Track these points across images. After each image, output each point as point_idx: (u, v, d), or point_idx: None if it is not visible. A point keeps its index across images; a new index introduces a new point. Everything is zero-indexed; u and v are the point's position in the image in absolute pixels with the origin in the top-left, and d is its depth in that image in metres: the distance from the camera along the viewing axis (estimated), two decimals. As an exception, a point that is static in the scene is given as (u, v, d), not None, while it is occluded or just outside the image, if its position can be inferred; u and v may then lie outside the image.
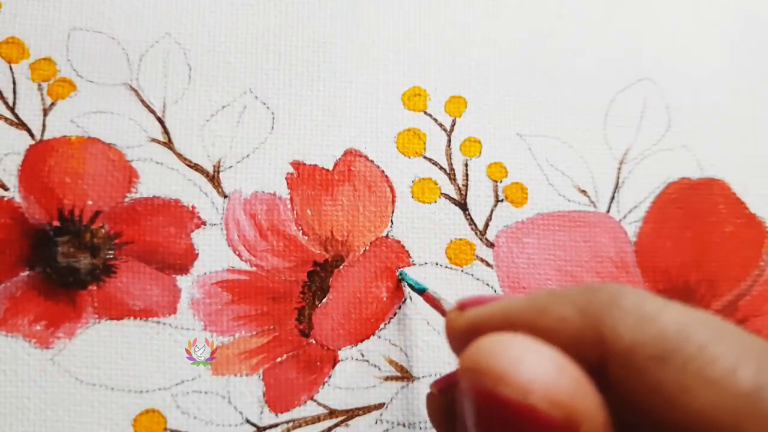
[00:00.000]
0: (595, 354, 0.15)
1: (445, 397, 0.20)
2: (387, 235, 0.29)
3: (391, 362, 0.28)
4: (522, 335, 0.15)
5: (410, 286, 0.27)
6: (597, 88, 0.31)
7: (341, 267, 0.28)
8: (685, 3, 0.33)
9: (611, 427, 0.14)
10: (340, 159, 0.29)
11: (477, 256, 0.29)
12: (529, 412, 0.13)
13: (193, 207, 0.28)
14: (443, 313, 0.23)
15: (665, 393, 0.13)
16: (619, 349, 0.14)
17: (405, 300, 0.28)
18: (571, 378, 0.14)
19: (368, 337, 0.28)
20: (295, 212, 0.28)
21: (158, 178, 0.28)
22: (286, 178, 0.29)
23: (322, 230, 0.28)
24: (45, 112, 0.28)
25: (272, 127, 0.29)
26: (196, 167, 0.28)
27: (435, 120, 0.30)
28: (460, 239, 0.29)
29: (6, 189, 0.27)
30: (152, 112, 0.28)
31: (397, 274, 0.28)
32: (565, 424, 0.13)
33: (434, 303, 0.24)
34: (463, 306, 0.19)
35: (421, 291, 0.26)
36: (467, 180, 0.29)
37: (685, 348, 0.13)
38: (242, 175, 0.28)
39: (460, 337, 0.18)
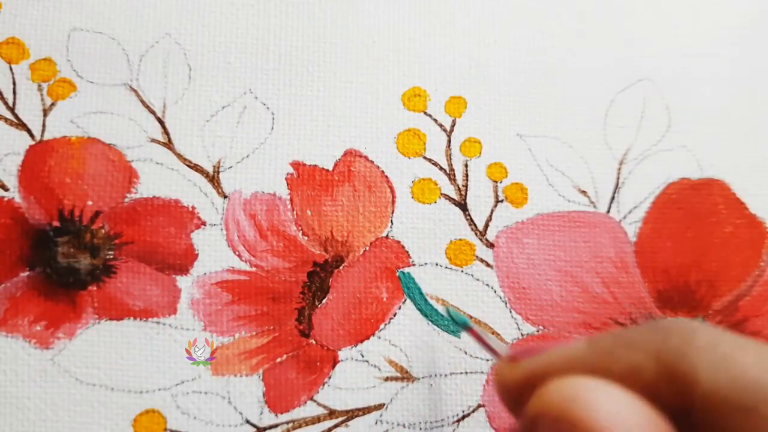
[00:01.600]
0: (676, 400, 0.14)
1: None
2: (387, 235, 0.29)
3: (391, 362, 0.28)
4: (604, 382, 0.14)
5: (454, 320, 0.26)
6: (597, 88, 0.31)
7: (341, 267, 0.28)
8: (685, 3, 0.33)
9: None
10: (340, 159, 0.29)
11: (477, 257, 0.29)
12: None
13: (193, 207, 0.28)
14: (491, 350, 0.22)
15: None
16: (702, 395, 0.13)
17: (405, 300, 0.28)
18: None
19: (368, 338, 0.28)
20: (295, 212, 0.28)
21: (158, 179, 0.28)
22: (286, 179, 0.29)
23: (322, 231, 0.28)
24: (45, 113, 0.28)
25: (272, 128, 0.29)
26: (196, 167, 0.28)
27: (435, 120, 0.30)
28: (460, 239, 0.29)
29: (6, 189, 0.27)
30: (152, 112, 0.28)
31: (445, 311, 0.27)
32: None
33: (479, 339, 0.24)
34: (515, 358, 0.18)
35: (465, 326, 0.25)
36: (467, 180, 0.29)
37: None
38: (242, 176, 0.28)
39: (516, 390, 0.17)
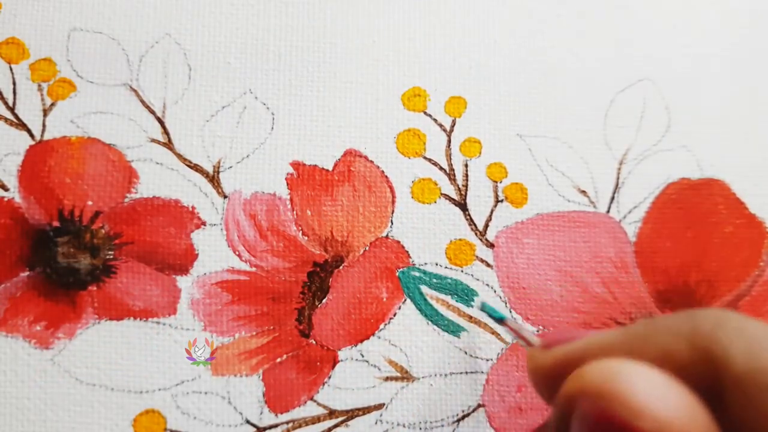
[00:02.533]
0: (708, 382, 0.14)
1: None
2: (387, 235, 0.29)
3: (391, 362, 0.28)
4: (641, 363, 0.14)
5: (490, 315, 0.26)
6: (597, 88, 0.31)
7: (341, 267, 0.28)
8: (685, 3, 0.33)
9: None
10: (340, 159, 0.29)
11: (477, 257, 0.29)
12: None
13: (193, 207, 0.28)
14: (524, 340, 0.23)
15: None
16: (734, 377, 0.14)
17: (405, 300, 0.28)
18: (703, 419, 0.13)
19: (368, 338, 0.28)
20: (294, 212, 0.28)
21: (158, 179, 0.28)
22: (286, 179, 0.29)
23: (322, 230, 0.28)
24: (45, 113, 0.28)
25: (272, 128, 0.29)
26: (196, 167, 0.28)
27: (435, 120, 0.30)
28: (460, 239, 0.29)
29: (6, 189, 0.27)
30: (152, 112, 0.28)
31: (479, 305, 0.27)
32: None
33: (515, 331, 0.24)
34: (548, 344, 0.18)
35: (501, 320, 0.25)
36: (467, 180, 0.29)
37: None
38: (242, 176, 0.28)
39: (549, 375, 0.18)
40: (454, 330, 0.28)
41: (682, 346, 0.15)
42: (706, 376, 0.14)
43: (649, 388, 0.14)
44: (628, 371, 0.14)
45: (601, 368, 0.14)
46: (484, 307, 0.26)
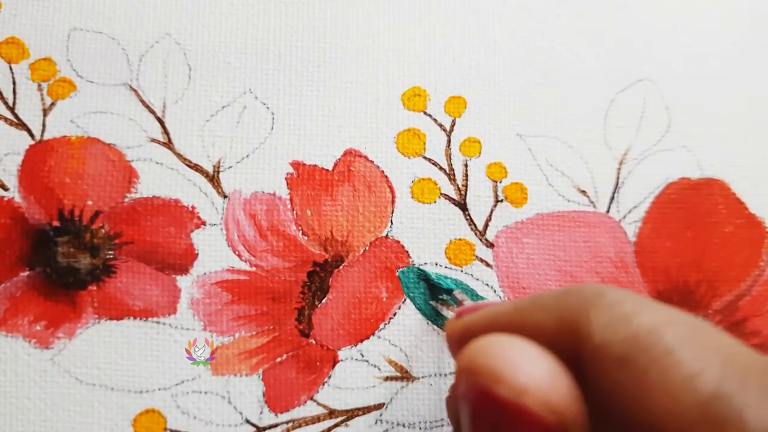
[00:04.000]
0: (571, 354, 0.15)
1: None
2: (387, 235, 0.29)
3: (390, 362, 0.28)
4: (518, 337, 0.15)
5: (437, 286, 0.27)
6: (597, 88, 0.31)
7: (341, 267, 0.28)
8: (685, 3, 0.33)
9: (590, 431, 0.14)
10: (339, 159, 0.29)
11: (477, 257, 0.29)
12: (524, 414, 0.14)
13: (193, 207, 0.28)
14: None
15: (628, 395, 0.13)
16: (591, 349, 0.14)
17: (405, 300, 0.28)
18: (564, 383, 0.14)
19: (368, 337, 0.28)
20: (294, 212, 0.28)
21: (158, 178, 0.28)
22: (285, 179, 0.29)
23: (321, 230, 0.28)
24: (45, 112, 0.28)
25: (272, 127, 0.29)
26: (196, 167, 0.28)
27: (435, 120, 0.30)
28: (460, 239, 0.29)
29: (6, 189, 0.27)
30: (152, 112, 0.28)
31: (421, 273, 0.28)
32: (556, 428, 0.14)
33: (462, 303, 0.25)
34: (460, 313, 0.20)
35: (449, 291, 0.26)
36: (467, 180, 0.29)
37: (652, 350, 0.13)
38: (242, 175, 0.28)
39: (456, 342, 0.19)
40: None
41: (550, 318, 0.16)
42: (569, 349, 0.15)
43: (511, 357, 0.14)
44: (494, 344, 0.15)
45: (475, 345, 0.15)
46: (428, 275, 0.27)
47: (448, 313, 0.28)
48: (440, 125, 0.30)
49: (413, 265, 0.28)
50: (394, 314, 0.28)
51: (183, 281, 0.27)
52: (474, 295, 0.28)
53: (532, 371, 0.14)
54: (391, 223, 0.29)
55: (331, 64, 0.30)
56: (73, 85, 0.28)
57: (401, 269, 0.28)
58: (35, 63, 0.28)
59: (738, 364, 0.13)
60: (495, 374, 0.14)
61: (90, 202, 0.27)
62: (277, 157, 0.29)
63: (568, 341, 0.15)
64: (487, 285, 0.29)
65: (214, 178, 0.28)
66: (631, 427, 0.13)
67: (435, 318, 0.28)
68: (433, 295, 0.28)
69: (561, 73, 0.31)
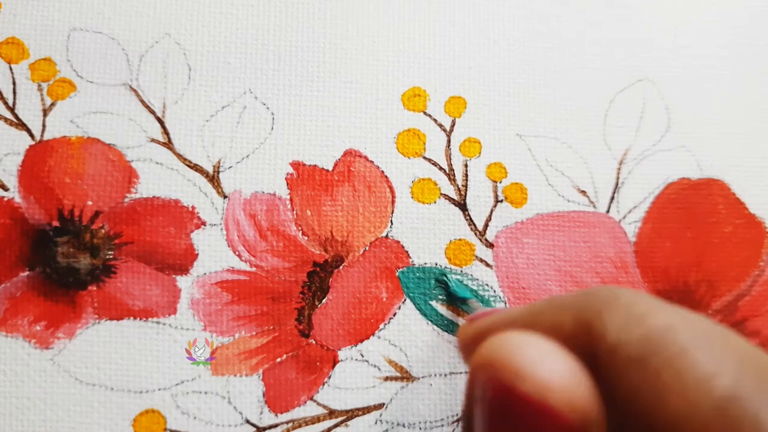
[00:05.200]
0: (588, 355, 0.15)
1: None
2: (387, 235, 0.29)
3: (390, 362, 0.28)
4: (537, 334, 0.15)
5: (453, 294, 0.27)
6: (597, 88, 0.31)
7: (341, 267, 0.28)
8: (685, 3, 0.33)
9: None
10: (339, 159, 0.29)
11: (476, 257, 0.29)
12: (547, 412, 0.13)
13: (193, 207, 0.28)
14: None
15: (642, 396, 0.13)
16: (606, 349, 0.14)
17: (405, 300, 0.28)
18: (585, 382, 0.14)
19: (368, 338, 0.28)
20: (294, 212, 0.28)
21: (158, 179, 0.28)
22: (285, 179, 0.29)
23: (321, 230, 0.28)
24: (45, 113, 0.28)
25: (272, 127, 0.29)
26: (196, 167, 0.28)
27: (435, 120, 0.30)
28: (460, 239, 0.29)
29: (6, 189, 0.27)
30: (152, 112, 0.28)
31: (442, 278, 0.28)
32: (578, 427, 0.13)
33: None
34: (473, 319, 0.20)
35: (464, 300, 0.26)
36: (467, 180, 0.29)
37: (667, 350, 0.13)
38: (242, 176, 0.28)
39: (469, 345, 0.19)
40: (453, 330, 0.28)
41: (568, 319, 0.15)
42: (586, 349, 0.15)
43: (532, 354, 0.14)
44: (514, 340, 0.15)
45: (492, 341, 0.15)
46: (447, 279, 0.27)
47: (448, 313, 0.28)
48: (440, 125, 0.30)
49: (413, 265, 0.28)
50: (394, 314, 0.28)
51: (183, 281, 0.27)
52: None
53: (554, 368, 0.14)
54: (391, 223, 0.29)
55: (331, 64, 0.30)
56: (73, 85, 0.28)
57: (401, 269, 0.28)
58: (35, 63, 0.28)
59: (753, 365, 0.13)
60: (517, 370, 0.14)
61: (90, 202, 0.27)
62: (277, 157, 0.29)
63: (583, 342, 0.15)
64: (487, 285, 0.29)
65: (214, 178, 0.28)
66: (645, 428, 0.13)
67: (435, 318, 0.28)
68: (450, 300, 0.28)
69: (561, 73, 0.31)
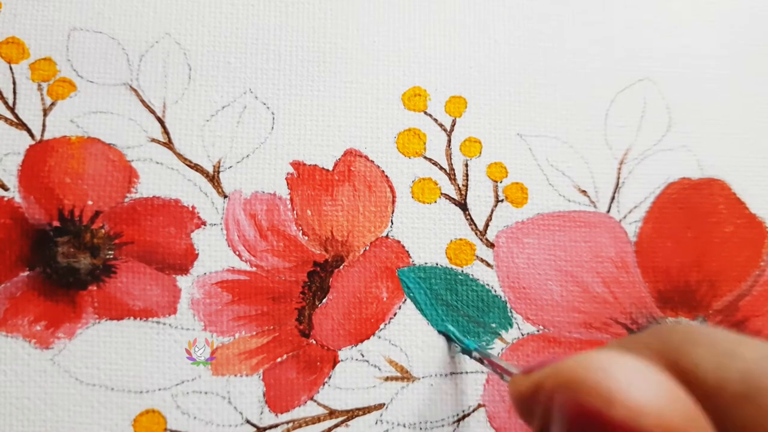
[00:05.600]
0: None
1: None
2: (387, 235, 0.29)
3: (391, 362, 0.28)
4: (626, 354, 0.14)
5: (463, 348, 0.27)
6: (597, 88, 0.31)
7: (341, 267, 0.28)
8: (685, 3, 0.33)
9: None
10: (340, 159, 0.29)
11: (477, 257, 0.29)
12: None
13: (193, 207, 0.28)
14: (501, 369, 0.22)
15: (752, 430, 0.13)
16: (706, 388, 0.14)
17: (405, 300, 0.28)
18: (684, 404, 0.13)
19: (368, 338, 0.28)
20: (295, 212, 0.28)
21: (158, 178, 0.28)
22: (286, 178, 0.29)
23: (322, 230, 0.28)
24: (45, 112, 0.28)
25: (272, 127, 0.29)
26: (196, 167, 0.28)
27: (435, 120, 0.30)
28: (460, 239, 0.29)
29: (6, 189, 0.27)
30: (152, 112, 0.28)
31: (445, 331, 0.28)
32: None
33: (489, 362, 0.24)
34: (529, 370, 0.18)
35: (468, 351, 0.26)
36: (467, 180, 0.29)
37: None
38: (242, 175, 0.28)
39: (528, 399, 0.17)
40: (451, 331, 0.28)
41: (652, 359, 0.15)
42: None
43: (623, 375, 0.13)
44: (601, 360, 0.14)
45: (576, 359, 0.14)
46: (452, 335, 0.27)
47: (460, 320, 0.28)
48: (440, 125, 0.30)
49: (413, 264, 0.28)
50: (395, 314, 0.28)
51: (183, 281, 0.27)
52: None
53: (648, 390, 0.13)
54: (392, 223, 0.29)
55: (331, 64, 0.30)
56: (73, 85, 0.28)
57: (401, 269, 0.28)
58: (35, 63, 0.28)
59: None
60: (607, 394, 0.13)
61: (90, 202, 0.27)
62: (277, 157, 0.29)
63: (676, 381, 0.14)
64: (488, 285, 0.29)
65: (214, 178, 0.28)
66: None
67: (435, 318, 0.28)
68: (451, 345, 0.28)
69: (561, 73, 0.31)
